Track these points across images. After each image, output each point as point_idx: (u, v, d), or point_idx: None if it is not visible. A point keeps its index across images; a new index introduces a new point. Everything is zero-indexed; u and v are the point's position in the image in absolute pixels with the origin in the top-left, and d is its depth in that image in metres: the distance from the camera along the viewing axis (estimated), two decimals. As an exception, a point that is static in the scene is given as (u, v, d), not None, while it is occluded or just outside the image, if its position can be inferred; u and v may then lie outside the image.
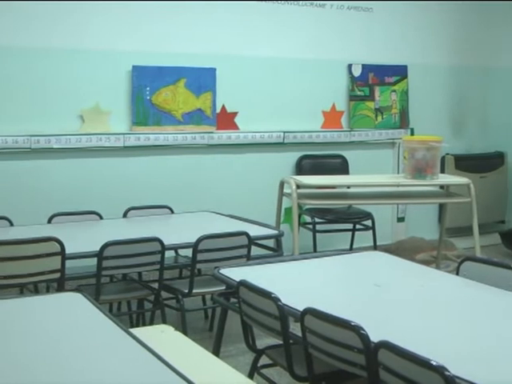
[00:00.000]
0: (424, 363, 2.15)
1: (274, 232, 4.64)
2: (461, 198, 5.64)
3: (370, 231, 6.38)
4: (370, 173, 6.19)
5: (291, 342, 2.93)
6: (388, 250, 6.07)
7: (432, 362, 2.13)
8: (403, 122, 7.17)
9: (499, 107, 7.99)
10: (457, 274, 3.55)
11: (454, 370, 2.13)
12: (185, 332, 4.06)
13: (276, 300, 2.84)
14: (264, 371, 3.34)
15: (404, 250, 6.58)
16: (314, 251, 6.07)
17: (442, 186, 5.98)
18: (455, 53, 7.59)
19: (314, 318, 2.64)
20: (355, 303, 3.10)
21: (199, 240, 4.18)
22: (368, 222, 6.40)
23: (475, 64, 7.73)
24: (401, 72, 7.15)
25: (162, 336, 2.72)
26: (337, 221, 6.42)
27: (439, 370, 2.10)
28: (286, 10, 6.53)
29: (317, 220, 6.27)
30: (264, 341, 3.44)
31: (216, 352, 3.51)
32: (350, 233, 6.60)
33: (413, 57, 7.24)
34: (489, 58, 7.81)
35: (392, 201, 6.05)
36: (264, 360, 3.30)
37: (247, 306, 3.09)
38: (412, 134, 7.14)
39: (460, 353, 2.46)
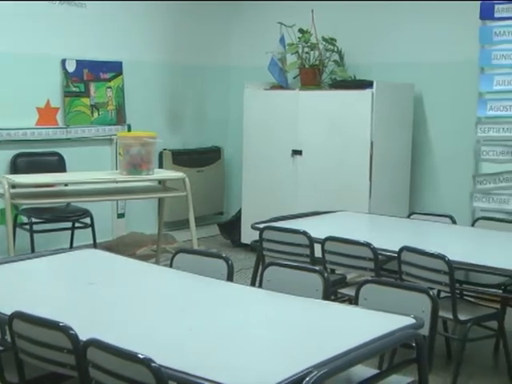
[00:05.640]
0: (131, 357, 2.18)
1: (-15, 235, 4.47)
2: (177, 192, 5.80)
3: (90, 228, 6.34)
4: (89, 170, 6.14)
5: (3, 348, 2.85)
6: (108, 246, 6.11)
7: (138, 355, 2.16)
8: (120, 118, 7.19)
9: (215, 104, 8.30)
10: (170, 266, 3.64)
11: (162, 360, 2.18)
12: None
13: (-20, 306, 2.73)
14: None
15: (125, 245, 6.63)
16: (32, 252, 5.92)
17: (159, 181, 6.09)
18: (171, 51, 7.75)
19: (23, 322, 2.56)
20: (68, 303, 3.06)
21: None
22: (87, 220, 6.34)
23: (191, 62, 7.95)
24: (116, 68, 7.16)
25: None
26: (55, 220, 6.30)
27: (145, 362, 2.13)
28: (-4, 3, 6.29)
29: (34, 220, 6.11)
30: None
31: None
32: (70, 231, 6.52)
33: (128, 54, 7.27)
34: (203, 57, 8.07)
35: (110, 197, 6.04)
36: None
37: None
38: (129, 130, 7.17)
39: (169, 343, 2.52)
